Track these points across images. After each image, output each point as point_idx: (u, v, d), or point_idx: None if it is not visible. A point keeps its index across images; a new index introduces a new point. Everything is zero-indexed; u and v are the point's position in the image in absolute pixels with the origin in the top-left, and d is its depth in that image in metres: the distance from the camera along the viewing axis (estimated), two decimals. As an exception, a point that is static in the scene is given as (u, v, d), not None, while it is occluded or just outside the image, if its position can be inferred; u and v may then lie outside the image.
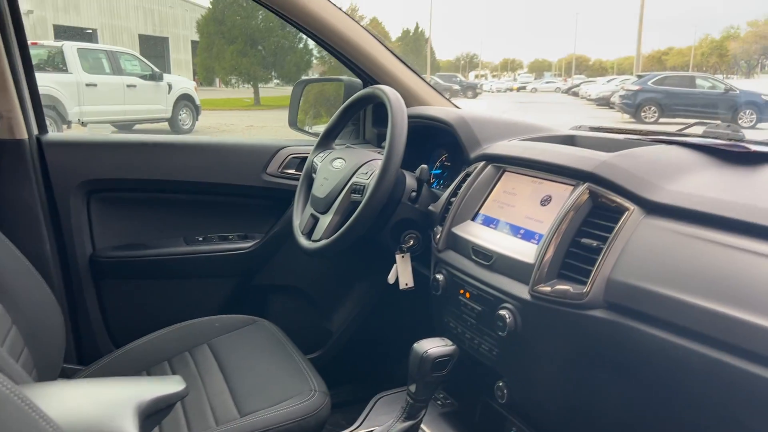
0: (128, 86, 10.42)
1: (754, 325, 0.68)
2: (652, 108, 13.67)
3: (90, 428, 0.76)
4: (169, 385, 0.90)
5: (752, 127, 12.71)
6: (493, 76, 75.67)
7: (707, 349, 0.73)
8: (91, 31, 20.96)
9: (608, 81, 24.16)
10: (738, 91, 14.16)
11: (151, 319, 1.53)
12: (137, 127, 10.97)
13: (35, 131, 1.56)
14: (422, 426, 1.13)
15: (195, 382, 1.26)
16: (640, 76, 15.42)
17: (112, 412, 0.80)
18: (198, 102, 11.61)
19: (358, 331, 1.79)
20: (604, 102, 18.10)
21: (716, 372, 0.73)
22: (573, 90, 28.36)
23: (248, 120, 13.77)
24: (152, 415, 0.86)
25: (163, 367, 1.32)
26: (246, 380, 1.24)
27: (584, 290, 0.87)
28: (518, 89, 39.34)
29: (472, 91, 27.31)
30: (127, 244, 1.67)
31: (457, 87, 26.00)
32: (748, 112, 13.26)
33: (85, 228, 1.62)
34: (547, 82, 42.66)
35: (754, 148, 0.95)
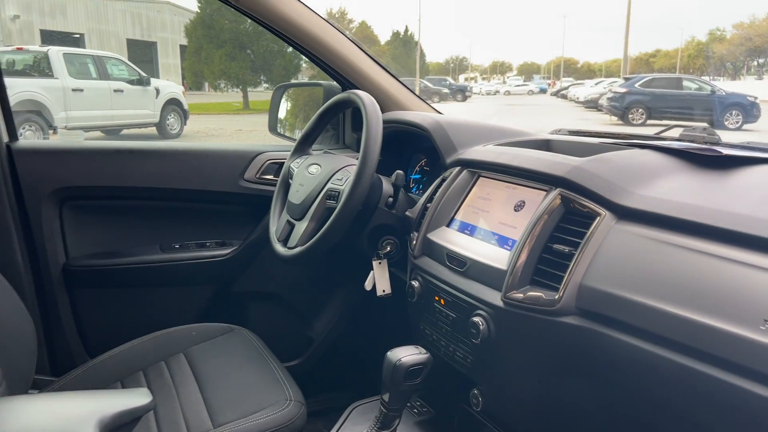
0: (115, 91, 10.37)
1: (724, 332, 0.68)
2: (640, 110, 13.76)
3: (49, 445, 0.74)
4: (135, 398, 0.88)
5: (738, 129, 12.82)
6: (483, 79, 75.99)
7: (677, 356, 0.73)
8: (78, 35, 20.83)
9: (596, 83, 24.31)
10: (724, 93, 14.28)
11: (127, 328, 1.51)
12: (125, 132, 10.91)
13: (5, 138, 1.53)
14: (398, 435, 1.11)
15: (169, 392, 1.24)
16: (627, 79, 15.52)
17: (72, 428, 0.78)
18: (186, 106, 11.58)
19: (338, 339, 1.77)
20: (593, 104, 18.20)
21: (686, 379, 0.72)
22: (562, 93, 28.50)
23: (237, 124, 13.73)
24: (116, 430, 0.84)
25: (138, 378, 1.30)
26: (221, 390, 1.23)
27: (556, 297, 0.86)
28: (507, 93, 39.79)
29: (461, 94, 27.35)
30: (101, 252, 1.64)
31: (446, 90, 26.04)
32: (734, 113, 13.37)
33: (57, 236, 1.59)
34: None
35: (726, 152, 0.94)
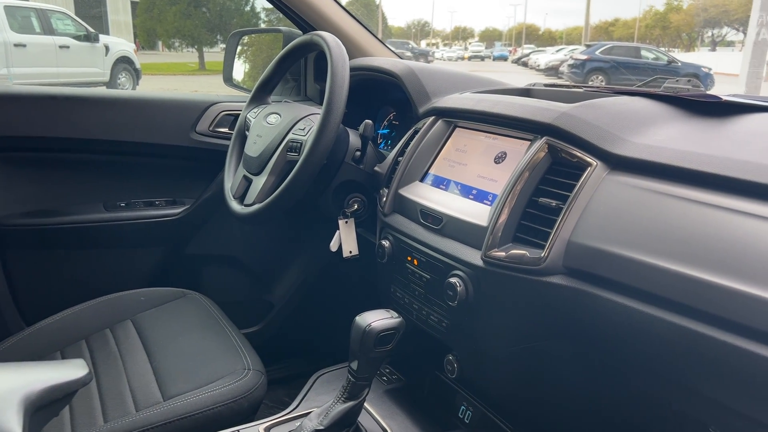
0: (61, 47, 9.94)
1: (731, 291, 0.61)
2: (600, 77, 13.96)
3: (-39, 427, 0.63)
4: (68, 371, 0.78)
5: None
6: (445, 45, 75.47)
7: (677, 318, 0.66)
8: (20, -13, 19.59)
9: (557, 51, 24.38)
10: (680, 63, 14.59)
11: (68, 294, 1.39)
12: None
13: None
14: (366, 405, 1.04)
15: (114, 362, 1.15)
16: (588, 46, 15.68)
17: (-10, 407, 0.67)
18: (138, 65, 11.28)
19: (301, 303, 1.68)
20: (553, 72, 18.31)
21: (686, 343, 0.65)
22: (522, 60, 28.50)
23: (193, 85, 13.34)
24: (47, 407, 0.74)
25: (80, 347, 1.20)
26: (172, 360, 1.14)
27: (542, 254, 0.79)
28: (469, 58, 39.67)
29: (424, 58, 27.29)
30: (35, 210, 1.50)
31: (409, 54, 25.80)
32: (690, 84, 13.64)
33: None
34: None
35: (725, 98, 0.88)
